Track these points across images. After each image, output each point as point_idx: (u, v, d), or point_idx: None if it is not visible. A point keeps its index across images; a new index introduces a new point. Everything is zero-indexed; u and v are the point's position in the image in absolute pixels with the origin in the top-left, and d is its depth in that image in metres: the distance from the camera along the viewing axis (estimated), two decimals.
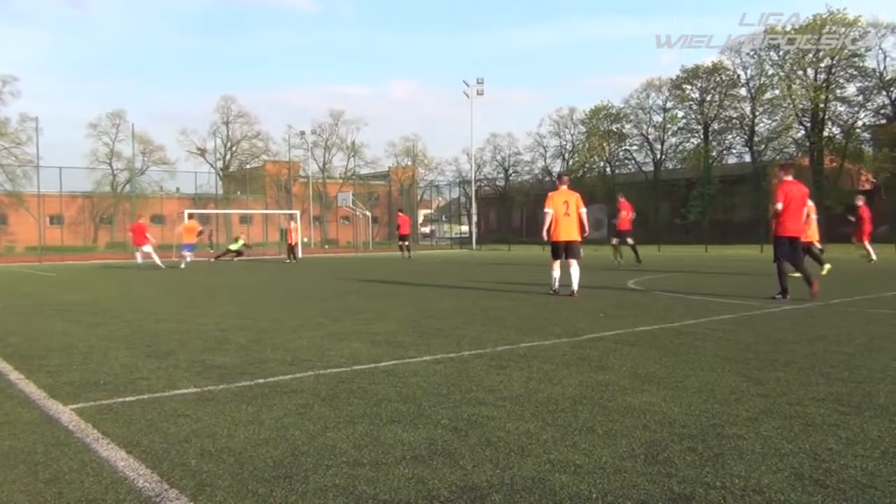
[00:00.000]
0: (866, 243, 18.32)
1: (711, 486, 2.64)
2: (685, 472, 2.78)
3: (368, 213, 55.06)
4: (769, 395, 4.03)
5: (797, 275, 13.61)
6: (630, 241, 18.46)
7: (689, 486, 2.64)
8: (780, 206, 9.36)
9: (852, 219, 18.04)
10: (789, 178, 9.64)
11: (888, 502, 2.48)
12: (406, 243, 28.11)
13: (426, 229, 73.55)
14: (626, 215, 18.39)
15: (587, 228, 10.71)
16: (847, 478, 2.71)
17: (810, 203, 14.10)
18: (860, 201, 18.52)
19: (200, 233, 25.31)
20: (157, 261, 22.09)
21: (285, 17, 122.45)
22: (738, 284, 10.50)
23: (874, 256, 18.06)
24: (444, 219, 74.46)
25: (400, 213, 30.01)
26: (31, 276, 19.42)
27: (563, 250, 10.55)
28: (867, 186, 48.01)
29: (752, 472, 2.78)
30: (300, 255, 28.34)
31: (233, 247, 28.30)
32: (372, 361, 5.26)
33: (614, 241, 18.95)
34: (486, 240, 53.77)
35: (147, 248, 22.14)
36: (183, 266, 22.40)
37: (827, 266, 13.77)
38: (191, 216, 24.90)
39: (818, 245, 14.50)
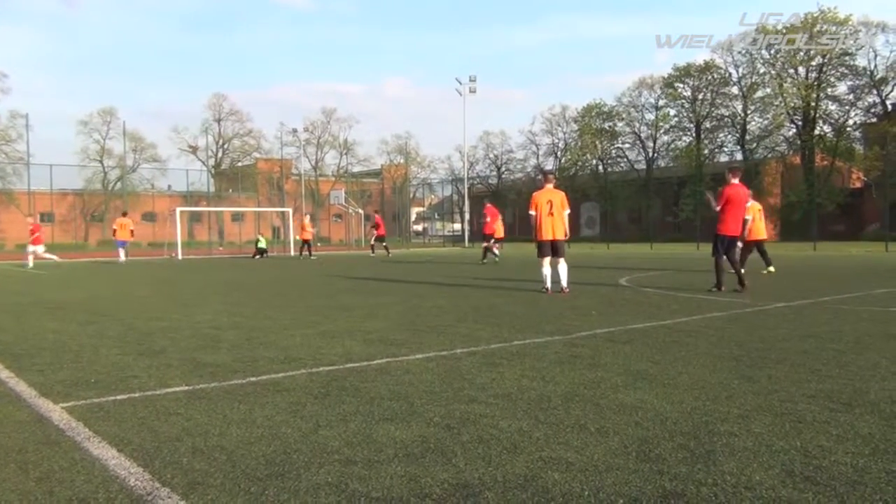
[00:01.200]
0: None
1: (703, 482, 2.65)
2: (677, 469, 2.79)
3: (361, 211, 55.03)
4: (760, 393, 4.04)
5: (768, 270, 13.88)
6: (493, 241, 20.85)
7: (680, 483, 2.64)
8: (720, 205, 10.26)
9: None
10: (735, 180, 10.38)
11: (878, 498, 2.49)
12: (382, 243, 29.34)
13: (419, 227, 73.51)
14: (491, 221, 20.72)
15: (567, 231, 10.67)
16: (838, 474, 2.72)
17: (757, 204, 14.56)
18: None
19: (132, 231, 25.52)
20: (30, 262, 22.30)
21: (279, 15, 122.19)
22: (728, 282, 10.55)
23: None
24: (436, 217, 74.46)
25: (376, 215, 30.55)
26: (21, 274, 19.30)
27: (550, 248, 10.60)
28: (858, 185, 48.34)
29: (744, 468, 2.79)
30: (295, 252, 28.86)
31: (261, 245, 30.52)
32: (364, 359, 5.25)
33: (485, 243, 21.01)
34: (478, 238, 53.70)
35: (32, 248, 22.36)
36: (121, 261, 23.25)
37: (771, 268, 14.17)
38: (124, 213, 24.93)
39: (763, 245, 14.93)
